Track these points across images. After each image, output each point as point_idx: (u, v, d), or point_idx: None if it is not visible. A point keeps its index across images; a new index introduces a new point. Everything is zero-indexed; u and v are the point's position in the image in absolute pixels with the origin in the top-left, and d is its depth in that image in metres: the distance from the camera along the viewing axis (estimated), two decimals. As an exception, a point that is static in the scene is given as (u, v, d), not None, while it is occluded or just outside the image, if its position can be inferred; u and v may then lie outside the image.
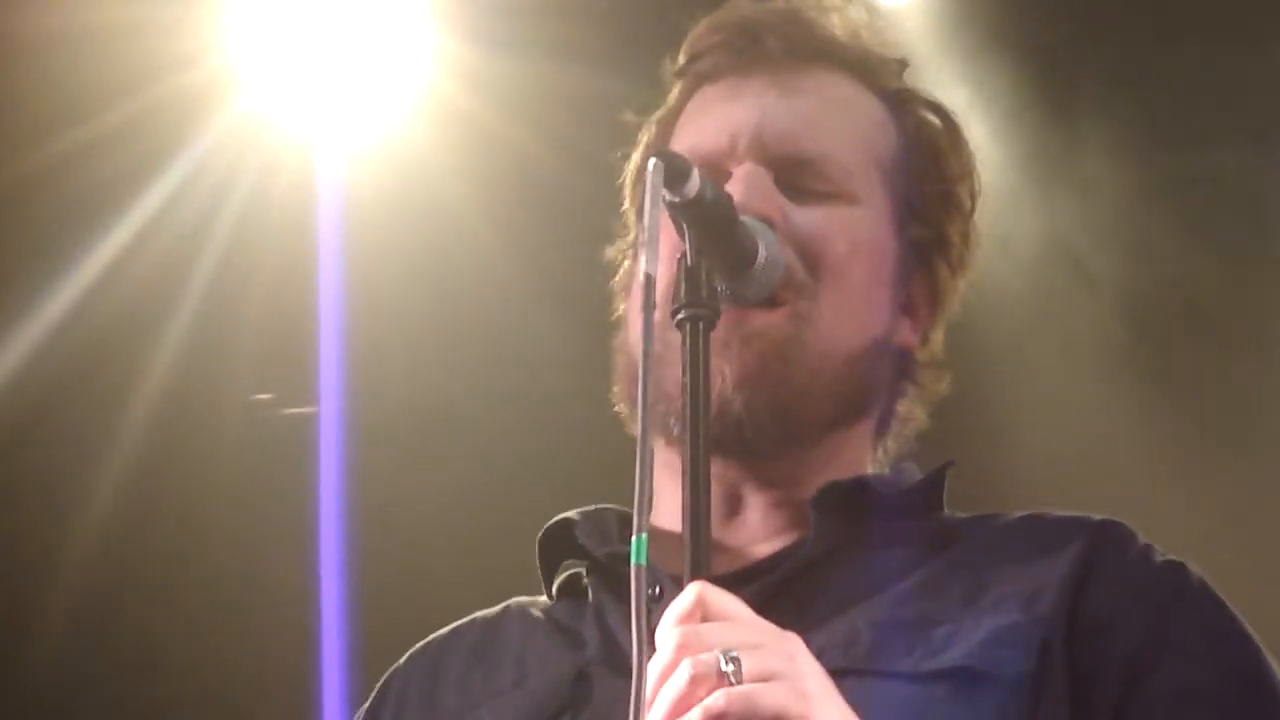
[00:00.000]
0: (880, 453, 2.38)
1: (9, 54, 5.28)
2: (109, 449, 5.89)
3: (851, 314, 2.28)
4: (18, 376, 5.68)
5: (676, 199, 2.02)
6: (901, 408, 2.38)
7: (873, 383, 2.33)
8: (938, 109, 2.43)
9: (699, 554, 1.93)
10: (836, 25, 2.40)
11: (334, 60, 5.50)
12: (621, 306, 2.42)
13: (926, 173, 2.38)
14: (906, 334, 2.36)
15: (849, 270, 2.28)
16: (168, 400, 5.86)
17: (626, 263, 2.43)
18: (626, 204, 2.46)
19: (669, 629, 1.88)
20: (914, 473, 2.36)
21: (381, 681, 2.41)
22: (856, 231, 2.30)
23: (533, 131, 5.46)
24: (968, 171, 2.42)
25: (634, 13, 5.12)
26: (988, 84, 5.45)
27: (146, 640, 6.18)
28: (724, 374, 2.18)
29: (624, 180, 2.46)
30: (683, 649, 1.86)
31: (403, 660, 2.41)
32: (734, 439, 2.20)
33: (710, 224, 2.06)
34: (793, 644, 1.92)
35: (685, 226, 2.05)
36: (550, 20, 5.37)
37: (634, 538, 1.82)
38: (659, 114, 2.44)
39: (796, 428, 2.25)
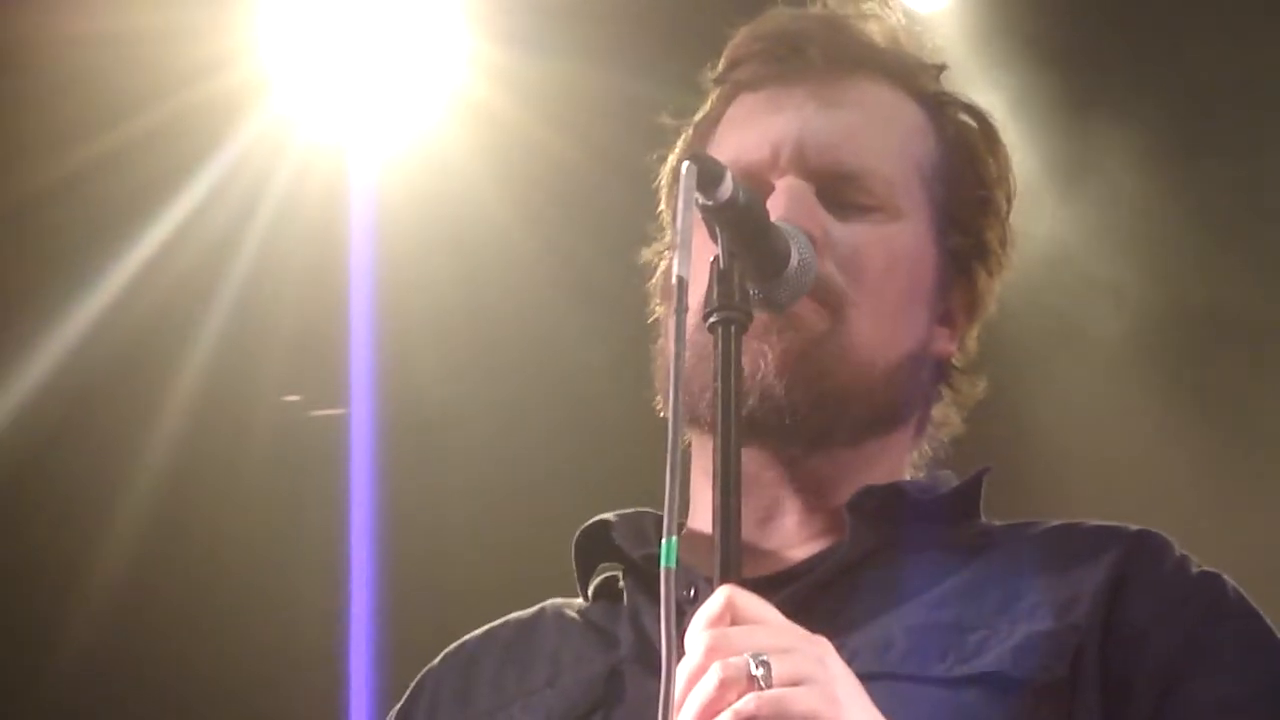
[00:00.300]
0: (916, 456, 2.38)
1: (42, 58, 5.30)
2: (142, 450, 5.91)
3: (889, 327, 2.28)
4: (53, 378, 5.70)
5: (710, 202, 2.02)
6: (937, 413, 2.39)
7: (910, 392, 2.33)
8: (975, 112, 2.43)
9: (729, 556, 1.93)
10: (876, 32, 2.40)
11: (367, 63, 5.50)
12: (658, 309, 2.42)
13: (965, 178, 2.38)
14: (944, 343, 2.37)
15: (888, 285, 2.28)
16: (200, 402, 5.88)
17: (663, 265, 2.44)
18: (662, 206, 2.46)
19: (698, 632, 1.87)
20: (950, 479, 2.35)
21: (415, 681, 2.42)
22: (897, 246, 2.30)
23: (566, 135, 5.46)
24: (1005, 175, 2.42)
25: (669, 16, 5.13)
26: (1018, 89, 5.45)
27: (177, 642, 6.19)
28: (765, 358, 2.19)
29: (659, 183, 2.46)
30: (712, 652, 1.86)
31: (436, 660, 2.42)
32: (775, 423, 2.20)
33: (743, 227, 2.06)
34: (823, 648, 1.92)
35: (718, 229, 2.05)
36: (584, 23, 5.37)
37: (663, 540, 1.83)
38: (697, 118, 2.44)
39: (835, 421, 2.25)
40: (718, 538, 1.94)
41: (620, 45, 5.27)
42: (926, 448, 2.39)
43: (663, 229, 2.46)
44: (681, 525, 2.29)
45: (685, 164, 1.99)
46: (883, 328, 2.27)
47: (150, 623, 6.15)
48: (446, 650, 2.42)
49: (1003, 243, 2.41)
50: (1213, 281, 5.74)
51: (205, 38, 5.28)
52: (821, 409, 2.22)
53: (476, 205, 5.68)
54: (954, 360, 2.38)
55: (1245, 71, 5.48)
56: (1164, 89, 5.56)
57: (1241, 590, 2.21)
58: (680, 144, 2.44)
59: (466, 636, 2.42)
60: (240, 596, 6.14)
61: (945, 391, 2.39)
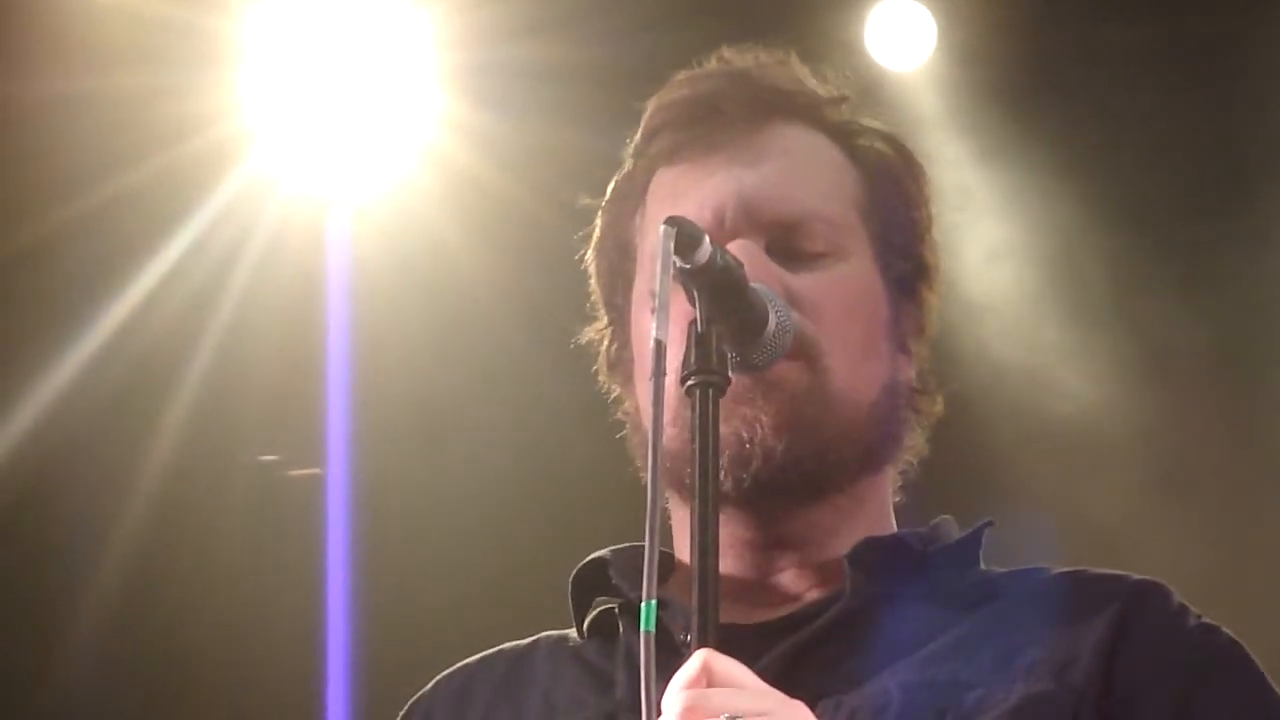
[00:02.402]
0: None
1: (24, 118, 5.32)
2: (119, 509, 5.90)
3: (863, 368, 2.29)
4: (30, 437, 5.70)
5: (687, 265, 2.03)
6: (908, 438, 2.39)
7: (893, 426, 2.34)
8: (886, 136, 2.43)
9: (706, 619, 1.94)
10: (781, 77, 2.39)
11: (343, 122, 5.54)
12: (613, 386, 2.42)
13: (892, 203, 2.38)
14: (907, 370, 2.37)
15: (852, 328, 2.29)
16: (177, 461, 5.87)
17: (604, 344, 2.44)
18: (593, 283, 2.45)
19: (675, 693, 1.88)
20: (951, 527, 2.35)
21: (406, 709, 2.41)
22: (852, 287, 2.31)
23: (536, 190, 5.48)
24: (924, 192, 2.43)
25: (633, 75, 5.15)
26: (991, 145, 5.51)
27: (153, 702, 6.17)
28: (760, 423, 2.20)
29: (587, 264, 2.46)
30: (689, 713, 1.86)
31: (429, 687, 2.40)
32: (780, 482, 2.21)
33: (720, 291, 2.07)
34: (799, 711, 1.93)
35: (695, 293, 2.06)
36: (551, 83, 5.41)
37: (643, 604, 1.84)
38: (621, 190, 2.42)
39: (835, 470, 2.26)
40: (695, 600, 1.95)
41: (585, 104, 5.29)
42: (896, 473, 2.40)
43: (596, 309, 2.46)
44: (675, 560, 2.31)
45: (663, 227, 1.99)
46: (857, 370, 2.28)
47: (128, 682, 6.13)
48: (439, 678, 2.40)
49: (935, 255, 2.43)
50: (1167, 339, 5.81)
51: (186, 98, 5.31)
52: (823, 460, 2.23)
53: (450, 260, 5.70)
54: (913, 383, 2.39)
55: (1196, 139, 5.54)
56: (1121, 147, 5.63)
57: (1240, 642, 2.22)
58: (603, 220, 2.43)
59: (460, 664, 2.41)
60: (217, 655, 6.12)
61: (912, 416, 2.39)
